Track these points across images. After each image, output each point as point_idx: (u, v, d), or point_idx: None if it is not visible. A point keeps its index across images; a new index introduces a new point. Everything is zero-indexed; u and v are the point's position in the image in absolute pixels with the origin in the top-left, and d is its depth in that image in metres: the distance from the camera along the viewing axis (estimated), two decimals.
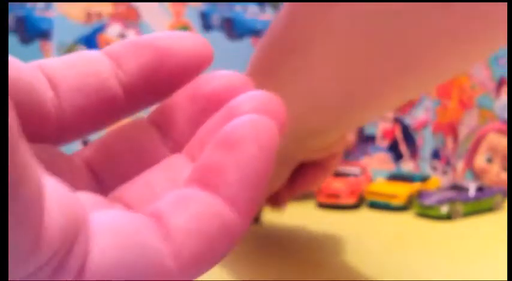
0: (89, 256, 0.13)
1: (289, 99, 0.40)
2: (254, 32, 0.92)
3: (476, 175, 0.89)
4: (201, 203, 0.15)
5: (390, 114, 0.95)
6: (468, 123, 0.92)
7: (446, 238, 0.61)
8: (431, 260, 0.53)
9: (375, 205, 0.71)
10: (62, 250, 0.12)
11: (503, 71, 0.88)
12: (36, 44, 0.90)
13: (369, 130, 0.93)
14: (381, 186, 0.73)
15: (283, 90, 0.40)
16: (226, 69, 0.20)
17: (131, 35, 0.91)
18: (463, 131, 0.93)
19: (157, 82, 0.19)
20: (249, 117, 0.16)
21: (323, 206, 0.70)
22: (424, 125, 0.95)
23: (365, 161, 0.90)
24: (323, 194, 0.69)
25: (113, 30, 0.91)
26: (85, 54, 0.19)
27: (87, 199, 0.15)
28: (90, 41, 0.90)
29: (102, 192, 0.18)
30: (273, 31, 0.41)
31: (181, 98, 0.19)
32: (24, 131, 0.17)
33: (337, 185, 0.69)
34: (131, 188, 0.17)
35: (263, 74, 0.41)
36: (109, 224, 0.14)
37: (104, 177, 0.19)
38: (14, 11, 0.84)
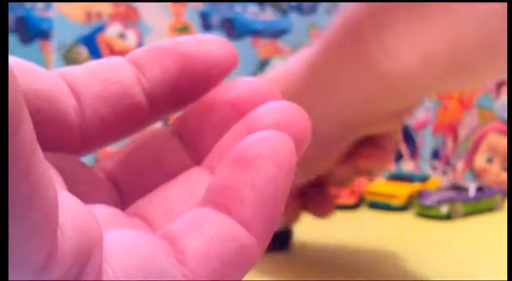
0: (102, 277, 0.13)
1: (357, 80, 0.40)
2: (254, 32, 0.92)
3: (476, 175, 0.89)
4: (216, 226, 0.15)
5: None
6: (468, 123, 0.92)
7: (446, 238, 0.61)
8: (431, 260, 0.53)
9: (374, 205, 0.71)
10: (75, 269, 0.12)
11: None
12: (36, 44, 0.90)
13: None
14: (380, 186, 0.73)
15: (355, 71, 0.40)
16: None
17: (131, 35, 0.91)
18: (463, 131, 0.93)
19: (181, 89, 0.19)
20: (266, 133, 0.15)
21: None
22: (424, 125, 0.95)
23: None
24: None
25: (113, 30, 0.91)
26: (108, 61, 0.19)
27: (105, 213, 0.15)
28: (90, 41, 0.90)
29: (123, 203, 0.17)
30: (352, 16, 0.40)
31: (204, 106, 0.19)
32: (46, 140, 0.16)
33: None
34: (151, 202, 0.17)
35: (337, 54, 0.41)
36: (124, 246, 0.13)
37: (124, 188, 0.18)
38: (14, 11, 0.84)
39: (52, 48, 0.89)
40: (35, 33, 0.88)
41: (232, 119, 0.17)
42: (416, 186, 0.74)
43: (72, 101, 0.18)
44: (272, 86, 0.18)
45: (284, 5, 0.94)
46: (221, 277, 0.14)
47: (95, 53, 0.91)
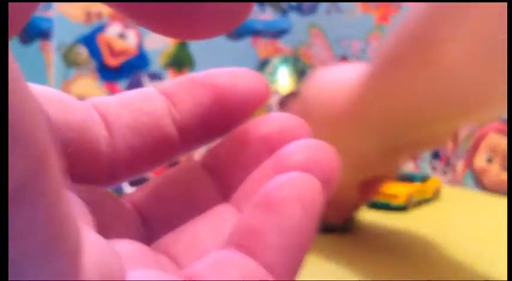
0: None
1: (416, 88, 0.42)
2: (254, 32, 0.92)
3: (476, 175, 0.89)
4: (241, 269, 0.14)
5: None
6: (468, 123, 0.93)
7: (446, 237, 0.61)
8: (429, 258, 0.53)
9: (374, 205, 0.72)
10: None
11: None
12: (36, 44, 0.90)
13: None
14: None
15: (413, 80, 0.42)
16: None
17: (131, 35, 0.92)
18: (463, 131, 0.93)
19: (212, 121, 0.19)
20: (294, 175, 0.15)
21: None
22: None
23: None
24: None
25: (113, 30, 0.91)
26: (139, 92, 0.19)
27: (130, 249, 0.15)
28: (90, 41, 0.90)
29: (149, 236, 0.17)
30: (410, 26, 0.42)
31: (234, 140, 0.19)
32: (76, 171, 0.16)
33: None
34: (177, 239, 0.17)
35: (395, 66, 0.43)
36: None
37: (151, 221, 0.18)
38: None
39: (52, 48, 0.89)
40: (35, 33, 0.89)
41: (262, 154, 0.18)
42: (416, 186, 0.74)
43: (103, 132, 0.18)
44: (303, 122, 0.18)
45: (284, 5, 0.94)
46: None
47: (95, 53, 0.91)
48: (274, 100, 0.81)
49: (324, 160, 0.16)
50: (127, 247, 0.15)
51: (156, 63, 0.96)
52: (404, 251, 0.56)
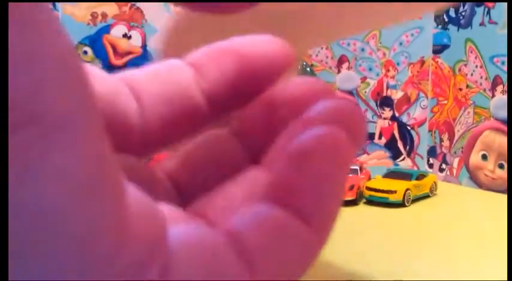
0: (165, 272, 0.12)
1: None
2: None
3: (472, 171, 0.91)
4: (277, 222, 0.14)
5: (388, 113, 0.97)
6: (464, 121, 0.94)
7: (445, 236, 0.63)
8: (427, 255, 0.55)
9: (373, 201, 0.73)
10: (141, 260, 0.12)
11: (499, 71, 0.89)
12: None
13: (367, 128, 0.95)
14: (378, 183, 0.75)
15: None
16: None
17: (136, 35, 0.93)
18: (459, 129, 0.95)
19: (240, 89, 0.19)
20: (324, 129, 0.15)
21: None
22: (420, 123, 0.97)
23: (363, 158, 0.92)
24: None
25: (118, 30, 0.92)
26: (166, 64, 0.19)
27: (167, 211, 0.15)
28: (95, 41, 0.91)
29: (183, 204, 0.17)
30: None
31: (260, 106, 0.19)
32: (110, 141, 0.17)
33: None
34: (210, 202, 0.17)
35: None
36: (188, 240, 0.13)
37: (184, 188, 0.18)
38: None
39: None
40: None
41: (289, 118, 0.17)
42: (413, 182, 0.76)
43: (133, 103, 0.18)
44: (328, 86, 0.18)
45: None
46: (283, 273, 0.14)
47: (100, 53, 0.92)
48: None
49: (351, 117, 0.16)
50: (164, 209, 0.15)
51: None
52: (401, 246, 0.57)
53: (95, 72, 0.18)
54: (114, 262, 0.11)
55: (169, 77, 0.18)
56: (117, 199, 0.11)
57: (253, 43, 0.19)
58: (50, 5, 0.11)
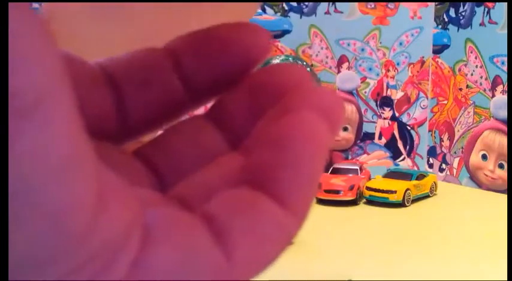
0: (141, 254, 0.13)
1: None
2: None
3: (472, 171, 0.91)
4: (254, 205, 0.14)
5: (388, 113, 0.97)
6: (464, 121, 0.94)
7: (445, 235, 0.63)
8: (426, 254, 0.55)
9: (373, 201, 0.74)
10: (115, 242, 0.12)
11: (498, 71, 0.89)
12: None
13: (367, 128, 0.95)
14: (378, 183, 0.75)
15: None
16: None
17: None
18: (459, 129, 0.95)
19: (218, 75, 0.19)
20: (302, 115, 0.15)
21: (322, 202, 0.72)
22: (420, 123, 0.97)
23: (363, 158, 0.93)
24: (322, 190, 0.71)
25: None
26: (145, 50, 0.19)
27: (145, 195, 0.15)
28: None
29: (161, 189, 0.18)
30: None
31: (239, 92, 0.19)
32: (86, 127, 0.17)
33: (337, 181, 0.72)
34: (188, 186, 0.17)
35: None
36: (164, 223, 0.14)
37: (162, 174, 0.18)
38: None
39: None
40: None
41: (266, 104, 0.17)
42: (413, 182, 0.76)
43: (110, 89, 0.18)
44: (306, 72, 0.19)
45: (284, 5, 0.96)
46: (259, 255, 0.14)
47: None
48: None
49: (329, 104, 0.16)
50: (142, 193, 0.15)
51: None
52: (401, 246, 0.57)
53: (70, 57, 0.18)
54: (87, 242, 0.11)
55: (147, 63, 0.19)
56: (91, 179, 0.11)
57: (231, 28, 0.19)
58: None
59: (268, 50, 0.19)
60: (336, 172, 0.75)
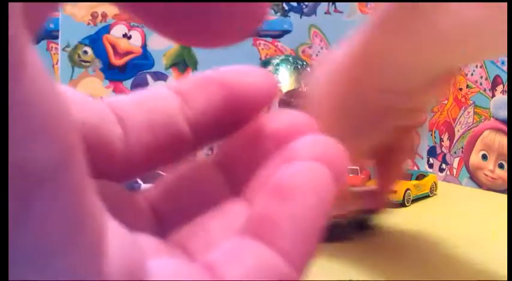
0: None
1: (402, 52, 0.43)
2: (255, 32, 0.94)
3: (472, 171, 0.91)
4: (255, 256, 0.15)
5: None
6: (464, 121, 0.94)
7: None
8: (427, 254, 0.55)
9: None
10: None
11: (499, 71, 0.89)
12: (42, 44, 0.91)
13: None
14: None
15: (399, 43, 0.42)
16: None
17: (136, 35, 0.93)
18: (459, 129, 0.95)
19: (224, 118, 0.19)
20: (307, 165, 0.15)
21: None
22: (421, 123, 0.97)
23: None
24: None
25: (118, 30, 0.93)
26: (153, 91, 0.19)
27: (147, 242, 0.15)
28: (95, 41, 0.91)
29: (163, 233, 0.17)
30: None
31: (244, 137, 0.19)
32: (90, 167, 0.17)
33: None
34: (191, 233, 0.17)
35: (382, 29, 0.44)
36: (166, 274, 0.14)
37: (165, 218, 0.18)
38: None
39: (58, 48, 0.91)
40: (41, 33, 0.90)
41: (272, 150, 0.18)
42: (413, 182, 0.76)
43: (118, 130, 0.18)
44: (312, 120, 0.19)
45: (284, 5, 0.96)
46: None
47: (100, 53, 0.93)
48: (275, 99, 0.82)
49: (333, 154, 0.16)
50: (144, 240, 0.15)
51: (160, 63, 0.98)
52: (401, 246, 0.57)
53: (80, 97, 0.18)
54: None
55: (155, 104, 0.19)
56: (97, 243, 0.12)
57: (238, 73, 0.19)
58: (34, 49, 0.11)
59: (275, 94, 0.19)
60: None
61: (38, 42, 0.90)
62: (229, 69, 0.19)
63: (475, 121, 0.92)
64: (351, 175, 0.75)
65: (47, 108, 0.11)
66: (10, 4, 0.10)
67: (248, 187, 0.18)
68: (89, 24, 0.90)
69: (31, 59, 0.10)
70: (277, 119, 0.19)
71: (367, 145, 0.52)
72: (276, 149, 0.17)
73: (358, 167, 0.78)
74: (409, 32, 0.42)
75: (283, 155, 0.17)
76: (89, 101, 0.18)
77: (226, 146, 0.20)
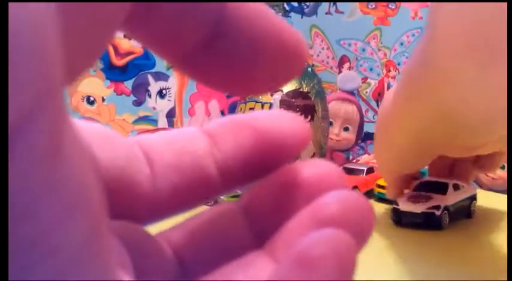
0: None
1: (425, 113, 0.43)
2: None
3: None
4: None
5: None
6: None
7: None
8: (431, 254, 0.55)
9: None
10: None
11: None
12: None
13: (368, 129, 0.96)
14: None
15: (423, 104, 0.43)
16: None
17: None
18: None
19: (253, 163, 0.19)
20: (330, 233, 0.16)
21: None
22: None
23: (364, 158, 0.93)
24: None
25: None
26: (182, 131, 0.19)
27: None
28: None
29: (185, 276, 0.18)
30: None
31: (272, 184, 0.19)
32: (116, 208, 0.16)
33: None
34: None
35: (411, 87, 0.44)
36: None
37: (187, 263, 0.19)
38: None
39: None
40: None
41: (299, 200, 0.18)
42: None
43: (146, 170, 0.18)
44: (339, 171, 0.19)
45: (285, 5, 0.96)
46: None
47: None
48: (276, 99, 0.83)
49: (360, 213, 0.17)
50: None
51: (161, 63, 0.98)
52: (401, 246, 0.57)
53: (109, 135, 0.18)
54: None
55: (185, 146, 0.19)
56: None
57: (270, 118, 0.19)
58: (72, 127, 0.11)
59: (308, 142, 0.19)
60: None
61: None
62: (262, 113, 0.19)
63: None
64: (361, 176, 0.75)
65: (78, 187, 0.10)
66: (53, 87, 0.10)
67: (273, 239, 0.18)
68: None
69: (68, 138, 0.10)
70: (306, 168, 0.19)
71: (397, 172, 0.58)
72: (304, 199, 0.17)
73: (365, 168, 0.78)
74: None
75: (310, 211, 0.17)
76: (118, 139, 0.18)
77: (253, 192, 0.19)
